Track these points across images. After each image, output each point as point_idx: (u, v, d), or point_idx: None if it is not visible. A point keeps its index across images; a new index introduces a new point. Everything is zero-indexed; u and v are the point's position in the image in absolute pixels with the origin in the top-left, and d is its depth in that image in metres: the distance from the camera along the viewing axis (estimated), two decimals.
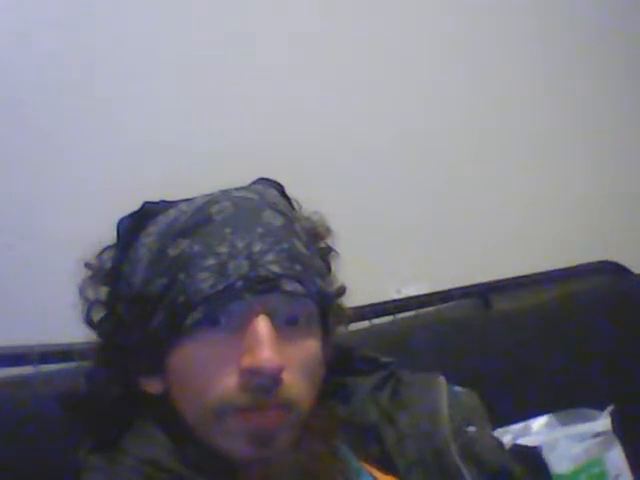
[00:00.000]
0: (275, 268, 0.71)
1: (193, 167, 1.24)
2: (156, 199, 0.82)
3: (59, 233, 1.14)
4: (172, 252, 0.73)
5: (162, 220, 0.78)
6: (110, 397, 0.76)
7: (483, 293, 1.46)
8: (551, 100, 1.70)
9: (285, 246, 0.73)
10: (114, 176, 1.19)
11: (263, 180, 0.84)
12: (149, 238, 0.77)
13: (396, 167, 1.48)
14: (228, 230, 0.73)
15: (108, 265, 0.80)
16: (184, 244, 0.73)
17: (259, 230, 0.73)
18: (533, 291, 1.52)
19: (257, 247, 0.72)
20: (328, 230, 0.84)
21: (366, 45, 1.46)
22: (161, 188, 0.91)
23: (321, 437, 0.75)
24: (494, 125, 1.62)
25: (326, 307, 0.78)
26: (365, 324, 1.28)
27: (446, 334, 1.29)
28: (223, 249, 0.72)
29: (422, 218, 1.50)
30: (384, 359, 0.88)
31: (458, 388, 0.85)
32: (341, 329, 0.85)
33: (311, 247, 0.79)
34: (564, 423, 1.20)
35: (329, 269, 0.83)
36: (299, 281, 0.72)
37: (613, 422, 1.21)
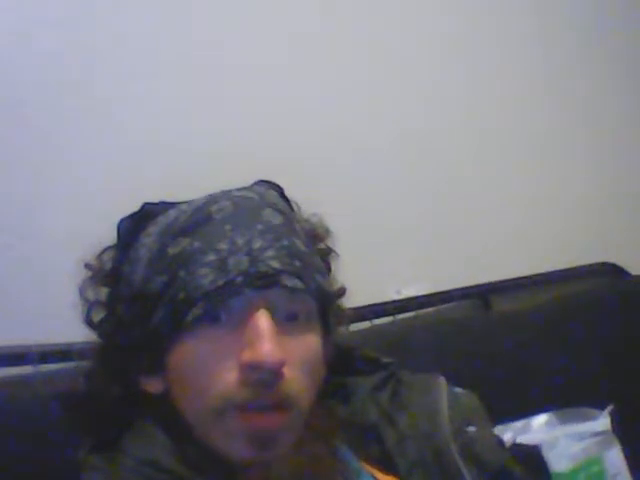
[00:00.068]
0: (275, 264, 0.72)
1: (193, 167, 1.24)
2: (156, 200, 0.82)
3: (59, 233, 1.14)
4: (172, 250, 0.74)
5: (162, 221, 0.78)
6: (110, 397, 0.76)
7: (483, 294, 1.46)
8: (551, 100, 1.70)
9: (285, 243, 0.74)
10: (114, 176, 1.19)
11: (263, 182, 0.84)
12: (149, 238, 0.77)
13: (396, 167, 1.48)
14: (228, 227, 0.73)
15: (108, 266, 0.80)
16: (184, 242, 0.74)
17: (259, 227, 0.74)
18: (533, 292, 1.52)
19: (257, 244, 0.72)
20: (327, 231, 0.84)
21: (366, 45, 1.46)
22: (161, 188, 0.91)
23: (321, 438, 0.75)
24: (494, 125, 1.62)
25: (326, 305, 0.78)
26: (365, 325, 1.28)
27: (446, 335, 1.29)
28: (223, 245, 0.72)
29: (422, 218, 1.50)
30: (384, 359, 0.88)
31: (458, 389, 0.85)
32: (341, 329, 0.85)
33: (311, 247, 0.79)
34: (564, 422, 1.20)
35: (329, 269, 0.83)
36: (299, 277, 0.73)
37: (613, 422, 1.21)
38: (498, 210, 1.59)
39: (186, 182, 1.10)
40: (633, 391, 1.35)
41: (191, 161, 1.25)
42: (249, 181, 0.84)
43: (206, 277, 0.71)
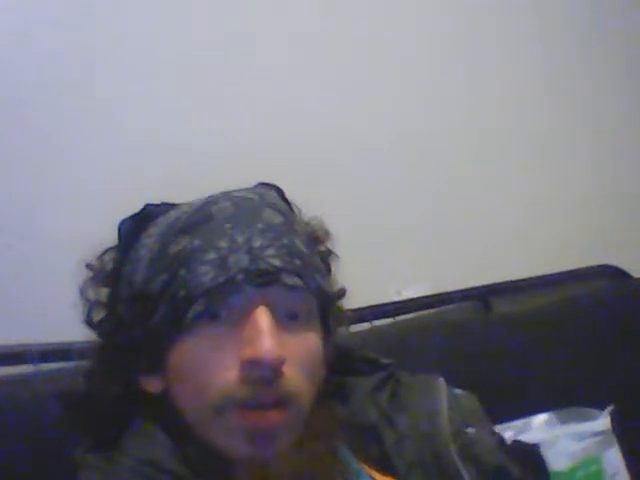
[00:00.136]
0: (275, 262, 0.72)
1: (193, 167, 1.24)
2: (156, 200, 0.83)
3: (59, 233, 1.14)
4: (173, 249, 0.74)
5: (163, 221, 0.78)
6: (109, 396, 0.76)
7: (483, 295, 1.46)
8: (551, 100, 1.70)
9: (285, 242, 0.74)
10: (114, 176, 1.19)
11: (263, 184, 0.84)
12: (150, 239, 0.78)
13: (396, 167, 1.48)
14: (228, 226, 0.74)
15: (109, 266, 0.80)
16: (185, 241, 0.74)
17: (259, 226, 0.74)
18: (533, 294, 1.52)
19: (257, 242, 0.72)
20: (327, 234, 0.85)
21: (366, 45, 1.46)
22: (161, 188, 0.91)
23: (321, 437, 0.75)
24: (494, 125, 1.62)
25: (326, 306, 0.79)
26: (365, 326, 1.28)
27: (446, 336, 1.29)
28: (224, 244, 0.72)
29: (422, 218, 1.50)
30: (384, 360, 0.88)
31: (457, 390, 0.85)
32: (341, 330, 0.85)
33: (311, 248, 0.79)
34: (564, 421, 1.21)
35: (329, 271, 0.84)
36: (299, 275, 0.73)
37: (612, 422, 1.21)
38: (498, 211, 1.59)
39: (186, 182, 1.10)
40: (633, 392, 1.35)
41: (191, 161, 1.25)
42: (249, 181, 0.85)
43: (207, 274, 0.71)
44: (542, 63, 1.69)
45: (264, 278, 0.71)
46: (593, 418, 1.21)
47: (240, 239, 0.72)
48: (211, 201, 0.77)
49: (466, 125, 1.57)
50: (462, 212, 1.55)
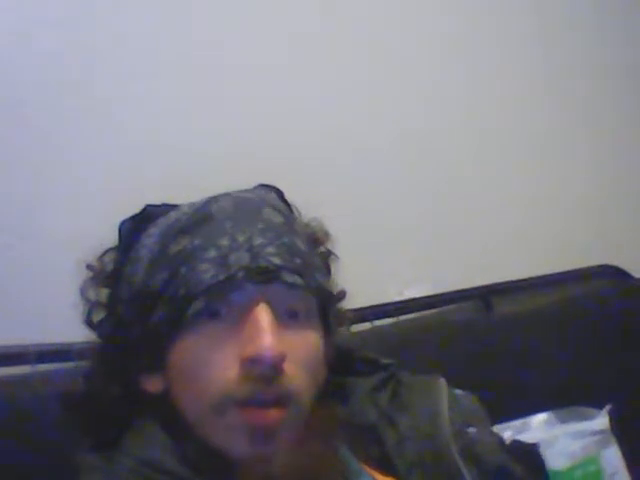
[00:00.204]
0: (276, 260, 0.72)
1: (193, 167, 1.24)
2: (156, 200, 0.83)
3: (59, 233, 1.14)
4: (173, 249, 0.74)
5: (163, 222, 0.78)
6: (109, 397, 0.76)
7: (484, 295, 1.45)
8: (551, 100, 1.70)
9: (285, 240, 0.74)
10: (114, 176, 1.19)
11: (263, 186, 0.85)
12: (150, 239, 0.78)
13: (396, 167, 1.48)
14: (229, 225, 0.74)
15: (109, 267, 0.80)
16: (185, 240, 0.74)
17: (259, 225, 0.74)
18: (534, 294, 1.52)
19: (258, 240, 0.73)
20: (327, 235, 0.85)
21: (366, 45, 1.46)
22: (161, 188, 0.91)
23: (321, 437, 0.75)
24: (494, 125, 1.62)
25: (326, 305, 0.79)
26: (366, 326, 1.28)
27: (447, 336, 1.29)
28: (224, 242, 0.72)
29: (422, 218, 1.50)
30: (384, 360, 0.88)
31: (458, 391, 0.85)
32: (342, 330, 0.85)
33: (311, 248, 0.79)
34: (563, 421, 1.21)
35: (329, 272, 0.84)
36: (299, 274, 0.73)
37: (611, 421, 1.21)
38: (498, 211, 1.59)
39: (186, 182, 1.11)
40: (632, 392, 1.35)
41: (191, 161, 1.25)
42: (249, 181, 0.85)
43: (207, 272, 0.71)
44: (542, 63, 1.69)
45: (264, 276, 0.71)
46: (592, 417, 1.21)
47: (241, 238, 0.73)
48: (211, 201, 0.78)
49: (466, 125, 1.57)
50: (462, 212, 1.55)
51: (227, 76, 1.31)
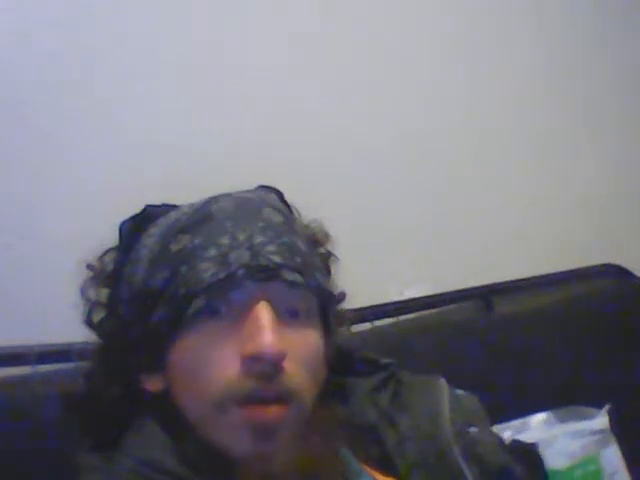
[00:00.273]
0: (276, 258, 0.72)
1: (193, 167, 1.24)
2: (156, 200, 0.83)
3: (59, 233, 1.14)
4: (173, 248, 0.74)
5: (163, 222, 0.79)
6: (110, 397, 0.76)
7: (485, 295, 1.45)
8: (551, 100, 1.70)
9: (285, 240, 0.74)
10: (114, 176, 1.19)
11: (263, 187, 0.85)
12: (150, 239, 0.78)
13: (396, 167, 1.48)
14: (229, 224, 0.74)
15: (110, 267, 0.80)
16: (185, 240, 0.74)
17: (260, 224, 0.74)
18: (535, 293, 1.52)
19: (258, 239, 0.73)
20: (327, 236, 0.85)
21: (366, 45, 1.46)
22: (161, 188, 0.91)
23: (322, 436, 0.75)
24: (494, 125, 1.62)
25: (326, 304, 0.79)
26: (366, 326, 1.28)
27: (448, 336, 1.29)
28: (224, 240, 0.73)
29: (422, 218, 1.50)
30: (384, 360, 0.88)
31: (459, 391, 0.85)
32: (342, 330, 0.85)
33: (311, 248, 0.79)
34: (562, 420, 1.21)
35: (329, 273, 0.84)
36: (299, 272, 0.73)
37: (611, 420, 1.21)
38: (499, 210, 1.59)
39: (186, 182, 1.11)
40: (634, 391, 1.35)
41: (191, 161, 1.24)
42: (249, 181, 0.85)
43: (207, 271, 0.71)
44: (542, 63, 1.69)
45: (265, 274, 0.71)
46: (591, 417, 1.21)
47: (241, 236, 0.73)
48: (211, 201, 0.78)
49: (466, 125, 1.57)
50: (462, 212, 1.55)
51: (227, 76, 1.31)
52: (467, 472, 0.77)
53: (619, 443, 1.21)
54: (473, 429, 0.81)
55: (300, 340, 0.73)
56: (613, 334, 1.43)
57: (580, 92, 1.74)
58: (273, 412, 0.70)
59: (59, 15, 1.18)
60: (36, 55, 1.15)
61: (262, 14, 1.35)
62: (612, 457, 1.20)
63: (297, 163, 1.32)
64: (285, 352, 0.69)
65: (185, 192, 0.82)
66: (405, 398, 0.83)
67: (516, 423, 1.19)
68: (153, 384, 0.76)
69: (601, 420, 1.21)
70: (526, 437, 1.16)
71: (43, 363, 1.02)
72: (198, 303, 0.71)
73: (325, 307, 0.79)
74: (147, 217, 0.81)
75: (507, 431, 1.16)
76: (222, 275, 0.71)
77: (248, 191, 0.82)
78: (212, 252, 0.72)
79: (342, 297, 0.85)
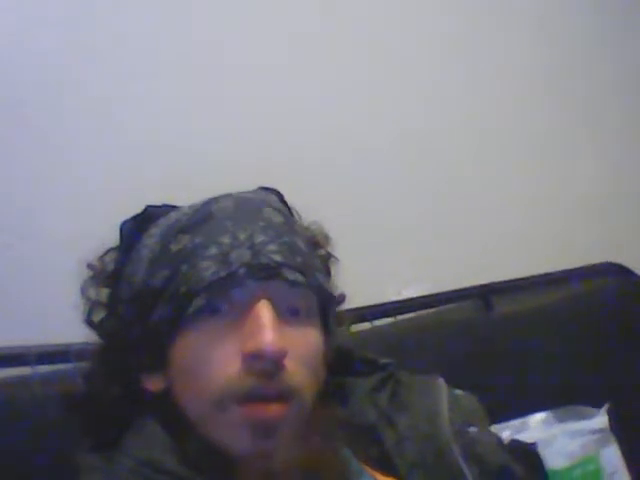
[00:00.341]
0: (277, 257, 0.72)
1: (193, 167, 1.24)
2: (157, 201, 0.83)
3: (59, 233, 1.14)
4: (174, 247, 0.75)
5: (164, 222, 0.79)
6: (110, 397, 0.76)
7: (484, 294, 1.45)
8: (551, 100, 1.70)
9: (286, 239, 0.75)
10: (114, 176, 1.19)
11: (263, 188, 0.85)
12: (151, 239, 0.78)
13: (396, 167, 1.48)
14: (230, 223, 0.74)
15: (110, 267, 0.80)
16: (186, 239, 0.74)
17: (260, 224, 0.75)
18: (535, 293, 1.52)
19: (259, 238, 0.73)
20: (327, 238, 0.85)
21: (366, 45, 1.46)
22: (161, 188, 0.91)
23: (323, 435, 0.75)
24: (494, 125, 1.62)
25: (326, 304, 0.79)
26: (365, 326, 1.28)
27: (447, 336, 1.29)
28: (225, 240, 0.73)
29: (422, 218, 1.50)
30: (383, 360, 0.88)
31: (458, 391, 0.86)
32: (341, 331, 0.85)
33: (311, 250, 0.80)
34: (561, 420, 1.21)
35: (329, 274, 0.84)
36: (300, 272, 0.74)
37: (610, 420, 1.21)
38: (499, 210, 1.59)
39: (186, 182, 1.11)
40: (633, 391, 1.35)
41: (191, 161, 1.25)
42: (249, 181, 0.85)
43: (208, 269, 0.71)
44: (542, 63, 1.69)
45: (266, 272, 0.72)
46: (590, 416, 1.21)
47: (242, 235, 0.73)
48: (212, 202, 0.78)
49: (466, 125, 1.57)
50: (462, 211, 1.55)
51: (227, 76, 1.31)
52: (467, 472, 0.77)
53: (619, 442, 1.21)
54: (472, 429, 0.81)
55: (300, 339, 0.73)
56: (613, 333, 1.42)
57: (580, 92, 1.74)
58: (273, 410, 0.70)
59: (59, 15, 1.18)
60: (36, 55, 1.15)
61: (262, 14, 1.35)
62: (612, 457, 1.20)
63: (297, 163, 1.32)
64: (286, 350, 0.69)
65: (185, 192, 0.82)
66: (404, 398, 0.84)
67: (515, 423, 1.19)
68: (153, 383, 0.76)
69: (600, 419, 1.21)
70: (525, 437, 1.16)
71: (42, 364, 1.02)
72: (199, 301, 0.71)
73: (325, 307, 0.79)
74: (148, 217, 0.81)
75: (506, 431, 1.15)
76: (223, 274, 0.71)
77: (248, 192, 0.82)
78: (213, 251, 0.72)
79: (342, 299, 0.85)
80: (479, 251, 1.53)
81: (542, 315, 1.42)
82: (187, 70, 1.27)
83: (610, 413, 1.21)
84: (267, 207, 0.77)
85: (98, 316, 0.80)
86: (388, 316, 1.33)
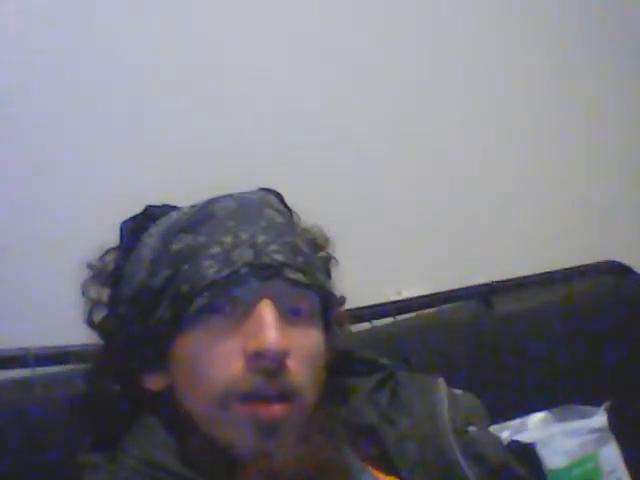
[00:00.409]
0: (279, 257, 0.73)
1: (193, 167, 1.24)
2: (157, 201, 0.83)
3: (59, 233, 1.14)
4: (175, 246, 0.75)
5: (164, 222, 0.79)
6: (112, 397, 0.77)
7: (485, 294, 1.45)
8: (551, 100, 1.70)
9: (288, 239, 0.75)
10: (114, 176, 1.19)
11: (263, 189, 0.85)
12: (151, 239, 0.78)
13: (396, 167, 1.48)
14: (231, 223, 0.75)
15: (110, 267, 0.81)
16: (188, 238, 0.75)
17: (262, 224, 0.75)
18: (535, 292, 1.52)
19: (261, 238, 0.73)
20: (327, 240, 0.85)
21: (366, 45, 1.46)
22: (161, 188, 0.91)
23: (325, 435, 0.75)
24: (494, 125, 1.62)
25: (327, 305, 0.79)
26: (365, 326, 1.28)
27: (447, 335, 1.29)
28: (227, 239, 0.73)
29: (422, 218, 1.50)
30: (383, 361, 0.88)
31: (457, 390, 0.86)
32: (341, 331, 0.85)
33: (312, 251, 0.80)
34: (560, 419, 1.20)
35: (329, 276, 0.84)
36: (302, 272, 0.74)
37: (609, 419, 1.21)
38: (499, 210, 1.59)
39: (186, 182, 1.11)
40: (635, 389, 1.35)
41: (191, 161, 1.25)
42: (249, 181, 0.85)
43: (211, 268, 0.72)
44: (542, 63, 1.69)
45: (268, 272, 0.72)
46: (589, 415, 1.21)
47: (244, 235, 0.73)
48: (212, 201, 0.78)
49: (466, 125, 1.57)
50: (463, 212, 1.55)
51: (227, 76, 1.31)
52: (468, 471, 0.78)
53: (618, 441, 1.21)
54: (472, 428, 0.81)
55: (302, 339, 0.73)
56: (614, 332, 1.42)
57: (580, 92, 1.74)
58: (276, 410, 0.70)
59: (59, 15, 1.18)
60: (36, 55, 1.15)
61: (262, 14, 1.35)
62: (611, 455, 1.20)
63: (297, 163, 1.32)
64: (288, 350, 0.69)
65: (185, 192, 0.82)
66: (404, 398, 0.84)
67: (514, 423, 1.18)
68: (154, 382, 0.76)
69: (599, 418, 1.21)
70: (524, 437, 1.16)
71: (42, 365, 1.02)
72: (201, 300, 0.71)
73: (326, 307, 0.79)
74: (148, 217, 0.81)
75: (505, 431, 1.15)
76: (226, 273, 0.71)
77: (248, 192, 0.82)
78: (215, 250, 0.72)
79: (342, 301, 0.85)
80: (479, 250, 1.53)
81: (542, 314, 1.41)
82: (187, 70, 1.27)
83: (610, 412, 1.21)
84: (268, 208, 0.78)
85: (98, 316, 0.80)
86: (388, 316, 1.33)
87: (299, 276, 0.73)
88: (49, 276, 1.11)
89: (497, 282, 1.47)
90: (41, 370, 1.01)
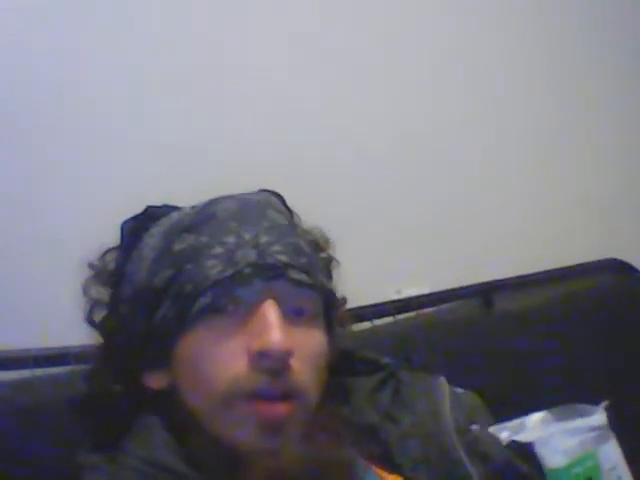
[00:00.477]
0: (282, 257, 0.73)
1: (193, 167, 1.24)
2: (157, 200, 0.83)
3: (59, 233, 1.14)
4: (178, 246, 0.75)
5: (165, 222, 0.79)
6: (113, 396, 0.76)
7: (485, 293, 1.45)
8: (551, 100, 1.70)
9: (291, 240, 0.75)
10: (114, 176, 1.19)
11: (264, 191, 0.85)
12: (152, 239, 0.78)
13: (396, 167, 1.48)
14: (234, 223, 0.75)
15: (111, 266, 0.80)
16: (190, 238, 0.75)
17: (265, 224, 0.75)
18: (535, 290, 1.52)
19: (264, 239, 0.74)
20: (328, 242, 0.85)
21: (366, 45, 1.46)
22: (161, 188, 0.91)
23: (328, 434, 0.75)
24: (494, 125, 1.62)
25: (330, 305, 0.79)
26: (366, 325, 1.28)
27: (448, 334, 1.29)
28: (230, 239, 0.73)
29: (422, 218, 1.50)
30: (384, 360, 0.88)
31: (459, 389, 0.86)
32: (343, 331, 0.86)
33: (313, 252, 0.80)
34: (560, 418, 1.20)
35: (330, 277, 0.84)
36: (305, 272, 0.74)
37: (609, 417, 1.21)
38: (499, 208, 1.59)
39: (186, 182, 1.11)
40: (636, 387, 1.35)
41: (191, 161, 1.25)
42: (249, 181, 0.85)
43: (214, 268, 0.72)
44: (542, 63, 1.69)
45: (272, 272, 0.72)
46: (589, 414, 1.21)
47: (247, 235, 0.73)
48: (214, 201, 0.78)
49: (466, 125, 1.57)
50: (463, 211, 1.55)
51: (227, 76, 1.31)
52: (471, 469, 0.78)
53: (618, 439, 1.21)
54: (475, 426, 0.82)
55: (305, 339, 0.73)
56: (614, 330, 1.42)
57: (580, 91, 1.74)
58: (279, 409, 0.70)
59: (58, 14, 1.18)
60: (34, 55, 1.15)
61: (262, 14, 1.35)
62: (610, 452, 1.19)
63: (297, 163, 1.32)
64: (292, 350, 0.70)
65: (185, 192, 0.82)
66: (406, 397, 0.84)
67: (513, 423, 1.18)
68: (156, 381, 0.76)
69: (599, 416, 1.21)
70: (523, 437, 1.16)
71: (42, 366, 1.02)
72: (204, 300, 0.71)
73: (328, 308, 0.79)
74: (149, 217, 0.81)
75: (504, 432, 1.15)
76: (229, 273, 0.71)
77: (250, 193, 0.82)
78: (218, 250, 0.73)
79: (344, 302, 0.85)
80: (480, 249, 1.53)
81: (543, 313, 1.41)
82: (187, 70, 1.27)
83: (609, 410, 1.21)
84: (270, 209, 0.78)
85: (99, 315, 0.80)
86: (388, 315, 1.33)
87: (302, 277, 0.73)
88: (49, 276, 1.11)
89: (497, 281, 1.47)
90: (40, 371, 1.02)
